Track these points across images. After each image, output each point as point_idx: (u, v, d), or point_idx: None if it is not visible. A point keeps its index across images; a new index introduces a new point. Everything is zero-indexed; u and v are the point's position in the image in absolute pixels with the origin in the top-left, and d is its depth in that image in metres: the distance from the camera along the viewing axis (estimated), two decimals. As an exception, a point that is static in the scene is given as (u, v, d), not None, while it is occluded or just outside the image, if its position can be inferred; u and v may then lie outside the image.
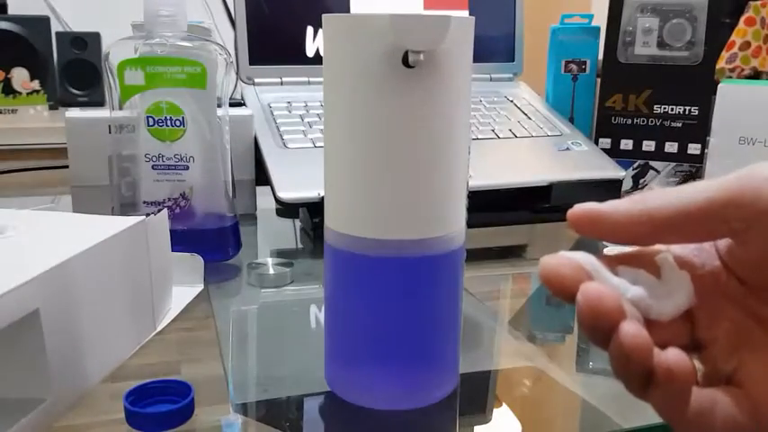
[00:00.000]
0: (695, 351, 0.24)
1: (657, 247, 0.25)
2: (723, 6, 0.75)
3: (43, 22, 1.64)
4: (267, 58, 0.77)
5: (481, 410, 0.36)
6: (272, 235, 0.68)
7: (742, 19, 0.75)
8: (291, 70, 0.78)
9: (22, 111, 1.64)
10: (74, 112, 0.65)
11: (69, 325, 0.34)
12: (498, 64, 0.85)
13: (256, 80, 0.77)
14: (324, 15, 0.31)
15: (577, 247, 0.61)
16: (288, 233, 0.68)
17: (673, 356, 0.21)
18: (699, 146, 0.76)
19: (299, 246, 0.64)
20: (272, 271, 0.52)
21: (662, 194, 0.23)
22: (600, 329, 0.21)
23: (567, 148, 0.72)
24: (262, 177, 0.65)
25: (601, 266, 0.24)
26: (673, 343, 0.22)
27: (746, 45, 0.75)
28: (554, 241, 0.65)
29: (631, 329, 0.21)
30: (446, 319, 0.34)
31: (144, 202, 0.52)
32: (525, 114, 0.78)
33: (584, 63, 0.83)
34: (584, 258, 0.24)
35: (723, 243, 0.24)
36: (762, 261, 0.23)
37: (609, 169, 0.70)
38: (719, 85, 0.63)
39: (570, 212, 0.24)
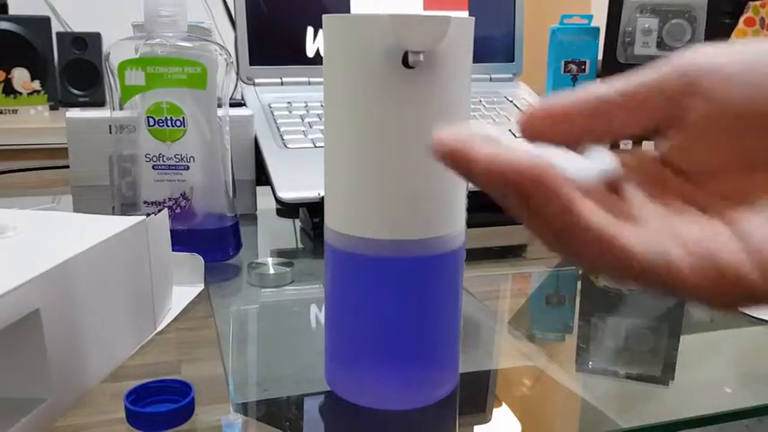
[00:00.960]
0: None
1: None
2: (722, 7, 0.75)
3: (44, 23, 1.64)
4: (267, 59, 0.77)
5: (481, 410, 0.36)
6: (272, 235, 0.68)
7: (741, 19, 0.75)
8: (292, 70, 0.78)
9: (22, 111, 1.64)
10: (74, 113, 0.65)
11: (70, 325, 0.34)
12: (498, 64, 0.85)
13: (257, 80, 0.77)
14: (324, 16, 0.31)
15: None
16: (288, 233, 0.68)
17: (524, 160, 0.19)
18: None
19: (300, 246, 0.64)
20: (272, 271, 0.52)
21: (602, 82, 0.24)
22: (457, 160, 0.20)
23: (568, 149, 0.72)
24: (262, 177, 0.65)
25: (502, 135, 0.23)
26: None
27: (746, 45, 0.75)
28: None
29: (484, 148, 0.20)
30: (446, 319, 0.34)
31: (144, 202, 0.52)
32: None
33: (584, 63, 0.83)
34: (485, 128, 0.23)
35: (666, 142, 0.24)
36: (703, 131, 0.23)
37: (609, 169, 0.70)
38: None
39: (520, 118, 0.24)
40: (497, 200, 0.21)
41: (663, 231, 0.21)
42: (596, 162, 0.23)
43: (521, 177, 0.19)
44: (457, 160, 0.20)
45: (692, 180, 0.24)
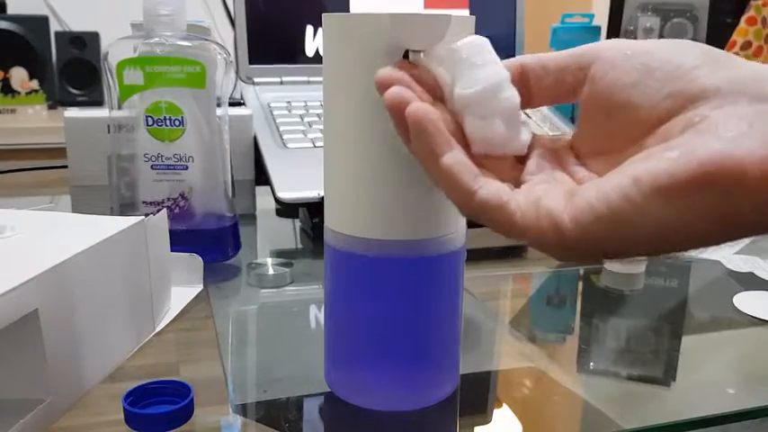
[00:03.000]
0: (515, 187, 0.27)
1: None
2: (724, 6, 0.75)
3: (42, 22, 1.64)
4: (267, 58, 0.77)
5: (482, 411, 0.36)
6: (271, 235, 0.67)
7: (743, 18, 0.75)
8: (291, 70, 0.78)
9: (20, 110, 1.64)
10: (73, 112, 0.65)
11: (68, 325, 0.34)
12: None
13: (256, 80, 0.77)
14: (324, 15, 0.31)
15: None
16: (287, 233, 0.68)
17: (417, 104, 0.25)
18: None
19: (299, 246, 0.64)
20: (271, 271, 0.52)
21: (532, 54, 0.30)
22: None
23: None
24: (261, 177, 0.65)
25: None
26: (500, 175, 0.27)
27: (748, 45, 0.74)
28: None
29: (394, 89, 0.26)
30: (446, 320, 0.34)
31: (143, 202, 0.52)
32: (525, 114, 0.78)
33: (585, 62, 0.83)
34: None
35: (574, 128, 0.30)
36: (587, 111, 0.28)
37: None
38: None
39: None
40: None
41: (523, 189, 0.26)
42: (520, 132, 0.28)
43: (411, 122, 0.25)
44: (381, 89, 0.27)
45: (581, 160, 0.28)
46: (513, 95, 0.27)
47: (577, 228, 0.23)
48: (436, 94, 0.28)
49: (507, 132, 0.27)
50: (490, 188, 0.25)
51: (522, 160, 0.28)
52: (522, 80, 0.29)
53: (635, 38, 0.77)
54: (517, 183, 0.27)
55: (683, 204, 0.22)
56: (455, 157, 0.25)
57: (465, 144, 0.27)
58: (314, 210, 0.61)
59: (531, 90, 0.29)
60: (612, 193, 0.23)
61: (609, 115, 0.27)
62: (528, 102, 0.29)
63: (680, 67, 0.25)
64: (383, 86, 0.26)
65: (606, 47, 0.27)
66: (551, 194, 0.25)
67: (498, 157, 0.28)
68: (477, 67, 0.27)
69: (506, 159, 0.28)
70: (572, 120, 0.83)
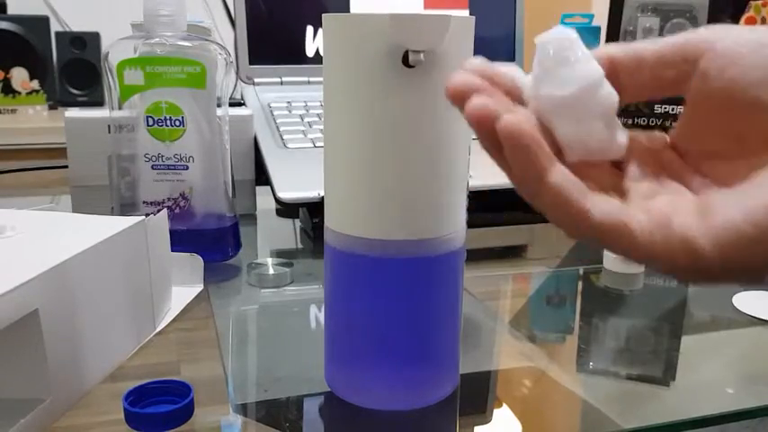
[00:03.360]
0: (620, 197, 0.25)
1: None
2: (724, 6, 0.75)
3: (43, 22, 1.64)
4: (267, 58, 0.77)
5: (482, 411, 0.36)
6: (271, 235, 0.67)
7: (742, 19, 0.75)
8: (291, 70, 0.78)
9: (21, 110, 1.64)
10: (73, 112, 0.65)
11: (69, 325, 0.34)
12: (499, 63, 0.84)
13: (256, 80, 0.77)
14: (324, 15, 0.31)
15: (578, 247, 0.61)
16: (288, 233, 0.68)
17: (510, 117, 0.22)
18: (699, 146, 0.76)
19: (299, 246, 0.64)
20: (271, 271, 0.52)
21: (618, 44, 0.26)
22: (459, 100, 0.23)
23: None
24: (261, 177, 0.65)
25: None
26: (599, 185, 0.24)
27: (747, 45, 0.74)
28: (554, 241, 0.64)
29: (477, 101, 0.23)
30: (446, 320, 0.34)
31: (143, 202, 0.52)
32: (525, 114, 0.78)
33: (585, 63, 0.83)
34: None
35: (675, 125, 0.27)
36: (698, 110, 0.25)
37: (609, 169, 0.70)
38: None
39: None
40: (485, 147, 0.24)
41: (635, 203, 0.23)
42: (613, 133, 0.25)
43: (507, 138, 0.22)
44: (458, 100, 0.23)
45: (689, 162, 0.25)
46: (611, 93, 0.24)
47: (718, 250, 0.21)
48: (513, 95, 0.25)
49: (607, 136, 0.24)
50: (604, 207, 0.22)
51: (617, 164, 0.26)
52: (612, 75, 0.25)
53: (634, 38, 0.77)
54: (619, 192, 0.24)
55: None
56: (562, 175, 0.22)
57: (556, 151, 0.24)
58: (314, 210, 0.61)
59: (622, 85, 0.25)
60: (762, 212, 0.20)
61: (732, 116, 0.24)
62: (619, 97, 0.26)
63: None
64: (458, 97, 0.23)
65: (716, 36, 0.24)
66: (680, 212, 0.22)
67: (593, 163, 0.25)
68: (569, 65, 0.24)
69: (603, 165, 0.25)
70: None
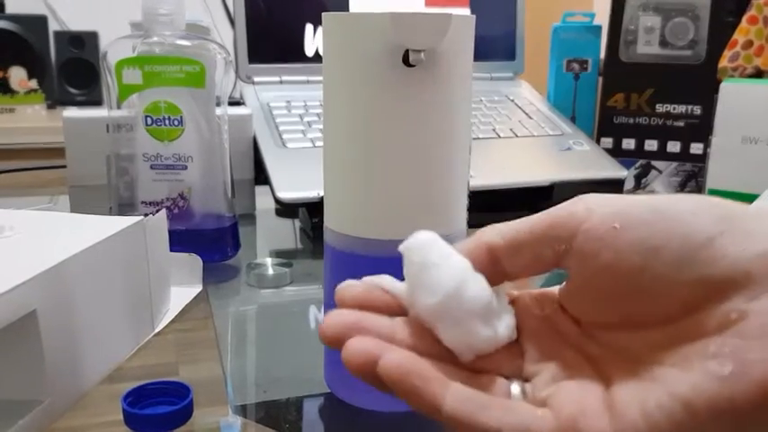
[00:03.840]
0: (524, 382, 0.24)
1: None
2: (726, 5, 0.75)
3: (41, 21, 1.64)
4: (266, 57, 0.77)
5: (482, 412, 0.36)
6: (271, 235, 0.67)
7: (744, 17, 0.75)
8: (291, 69, 0.77)
9: (19, 110, 1.63)
10: (71, 112, 0.65)
11: (67, 326, 0.34)
12: (499, 63, 0.84)
13: (255, 79, 0.76)
14: (324, 14, 0.31)
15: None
16: (287, 233, 0.67)
17: (391, 358, 0.21)
18: (701, 145, 0.76)
19: (299, 246, 0.64)
20: (271, 271, 0.52)
21: (493, 227, 0.25)
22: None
23: (569, 148, 0.72)
24: (261, 177, 0.65)
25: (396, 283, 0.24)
26: (499, 372, 0.23)
27: (749, 44, 0.74)
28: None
29: (355, 345, 0.21)
30: (447, 321, 0.34)
31: (142, 202, 0.52)
32: (526, 114, 0.78)
33: (586, 62, 0.83)
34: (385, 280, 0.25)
35: (562, 287, 0.25)
36: (583, 288, 0.23)
37: (611, 169, 0.70)
38: (722, 84, 0.63)
39: None
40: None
41: (541, 398, 0.22)
42: (495, 324, 0.24)
43: (391, 381, 0.21)
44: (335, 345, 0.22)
45: (585, 331, 0.24)
46: (481, 289, 0.23)
47: None
48: (392, 306, 0.24)
49: (489, 330, 0.23)
50: (511, 420, 0.21)
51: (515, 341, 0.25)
52: (492, 261, 0.24)
53: (635, 37, 0.77)
54: (524, 377, 0.24)
55: (745, 422, 0.19)
56: (458, 398, 0.21)
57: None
58: (313, 210, 0.61)
59: (505, 270, 0.24)
60: (658, 415, 0.20)
61: (613, 299, 0.22)
62: (504, 279, 0.25)
63: (687, 243, 0.21)
64: (334, 342, 0.22)
65: (585, 214, 0.23)
66: (587, 413, 0.21)
67: (488, 354, 0.24)
68: (433, 270, 0.23)
69: (500, 351, 0.24)
70: (573, 119, 0.83)
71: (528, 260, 0.24)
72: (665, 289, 0.21)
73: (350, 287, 0.25)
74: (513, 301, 0.25)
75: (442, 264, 0.23)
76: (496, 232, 0.24)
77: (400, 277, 0.26)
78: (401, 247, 0.24)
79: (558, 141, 0.73)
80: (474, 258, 0.24)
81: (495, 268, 0.24)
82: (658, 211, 0.22)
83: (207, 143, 0.52)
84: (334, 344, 0.22)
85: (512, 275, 0.25)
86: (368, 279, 0.25)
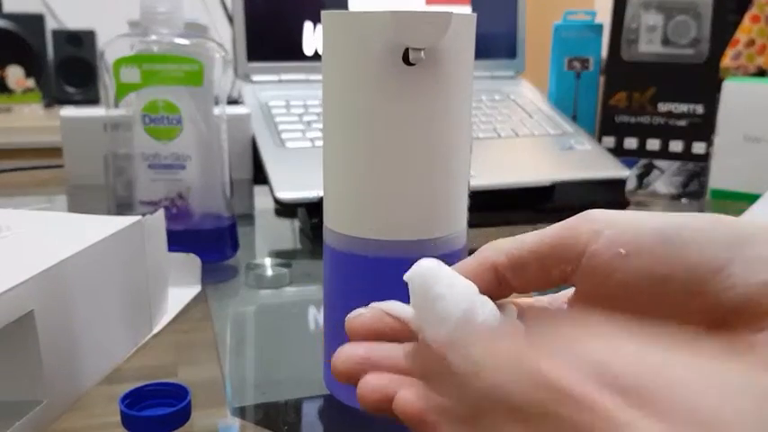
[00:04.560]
0: None
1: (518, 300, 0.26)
2: (728, 3, 0.75)
3: (38, 20, 1.64)
4: (265, 56, 0.77)
5: (483, 414, 0.36)
6: (270, 235, 0.67)
7: (747, 16, 0.75)
8: (290, 68, 0.77)
9: (16, 109, 1.63)
10: (69, 111, 0.65)
11: (64, 326, 0.34)
12: (500, 61, 0.84)
13: (254, 78, 0.76)
14: (323, 12, 0.31)
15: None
16: (286, 233, 0.67)
17: (405, 397, 0.22)
18: (704, 144, 0.76)
19: (298, 246, 0.64)
20: (270, 272, 0.51)
21: (497, 245, 0.25)
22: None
23: (570, 147, 0.72)
24: (260, 177, 0.65)
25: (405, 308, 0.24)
26: None
27: (751, 43, 0.74)
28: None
29: (369, 383, 0.22)
30: (448, 322, 0.33)
31: (140, 202, 0.52)
32: (527, 113, 0.78)
33: (588, 61, 0.83)
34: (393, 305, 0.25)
35: (570, 297, 0.25)
36: (589, 305, 0.23)
37: (612, 168, 0.70)
38: (724, 83, 0.63)
39: None
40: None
41: None
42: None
43: (406, 418, 0.22)
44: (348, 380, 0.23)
45: None
46: (488, 315, 0.23)
47: None
48: (403, 331, 0.24)
49: None
50: None
51: None
52: (499, 279, 0.25)
53: (637, 35, 0.77)
54: None
55: None
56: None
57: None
58: (313, 210, 0.60)
59: (512, 286, 0.25)
60: None
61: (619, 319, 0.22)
62: (512, 292, 0.25)
63: (695, 273, 0.20)
64: (346, 379, 0.22)
65: (591, 236, 0.23)
66: None
67: None
68: (440, 299, 0.23)
69: None
70: (574, 119, 0.82)
71: (533, 277, 0.24)
72: (672, 316, 0.21)
73: (359, 317, 0.25)
74: (522, 312, 0.25)
75: (448, 292, 0.23)
76: (500, 251, 0.25)
77: (400, 278, 0.25)
78: (405, 277, 0.24)
79: (560, 141, 0.73)
80: (479, 280, 0.24)
81: (501, 285, 0.24)
82: (666, 237, 0.21)
83: (205, 142, 0.52)
84: (346, 380, 0.23)
85: (519, 289, 0.25)
86: (376, 305, 0.25)
